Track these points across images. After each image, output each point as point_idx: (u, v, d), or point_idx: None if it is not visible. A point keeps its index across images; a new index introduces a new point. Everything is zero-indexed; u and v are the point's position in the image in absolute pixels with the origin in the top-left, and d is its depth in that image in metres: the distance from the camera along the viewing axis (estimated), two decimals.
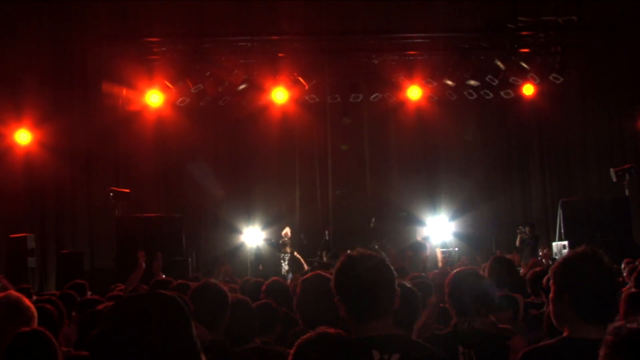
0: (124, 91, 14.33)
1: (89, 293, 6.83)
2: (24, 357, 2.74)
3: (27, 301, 3.27)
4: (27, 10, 13.86)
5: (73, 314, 4.79)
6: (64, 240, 13.99)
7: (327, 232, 14.26)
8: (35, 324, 3.16)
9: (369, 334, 2.38)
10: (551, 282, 2.55)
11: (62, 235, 14.12)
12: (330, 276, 2.87)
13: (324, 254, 13.02)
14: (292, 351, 2.09)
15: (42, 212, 14.02)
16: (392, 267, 2.52)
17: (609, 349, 1.62)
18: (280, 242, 13.70)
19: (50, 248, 13.83)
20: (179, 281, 5.51)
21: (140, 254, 6.31)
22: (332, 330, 2.09)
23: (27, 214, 13.80)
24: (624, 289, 4.69)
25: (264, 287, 5.11)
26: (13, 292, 3.43)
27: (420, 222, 15.04)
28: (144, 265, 6.25)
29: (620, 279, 6.59)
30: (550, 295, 2.53)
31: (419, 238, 13.90)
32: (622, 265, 7.86)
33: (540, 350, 2.50)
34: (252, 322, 3.78)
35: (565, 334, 2.45)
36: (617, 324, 1.65)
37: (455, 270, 3.79)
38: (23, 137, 13.65)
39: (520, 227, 13.73)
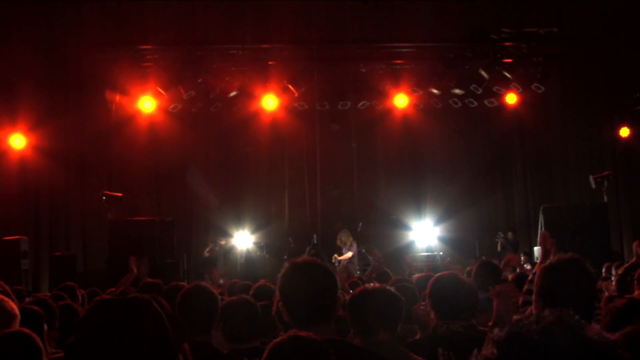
0: (118, 97, 14.47)
1: (80, 295, 6.96)
2: (7, 359, 2.67)
3: (9, 302, 3.19)
4: (21, 16, 13.98)
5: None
6: (57, 243, 14.12)
7: (315, 236, 14.46)
8: (17, 326, 3.08)
9: None
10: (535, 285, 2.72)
11: (55, 237, 14.25)
12: None
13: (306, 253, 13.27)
14: (264, 355, 2.10)
15: (35, 215, 14.15)
16: (335, 275, 2.56)
17: None
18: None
19: (43, 250, 13.95)
20: (175, 283, 5.65)
21: (131, 260, 6.32)
22: (303, 333, 2.11)
23: (20, 216, 13.93)
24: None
25: (251, 292, 5.12)
26: None
27: (406, 227, 15.31)
28: (135, 270, 6.29)
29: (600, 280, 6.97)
30: (533, 297, 2.73)
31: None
32: (603, 269, 8.25)
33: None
34: (257, 323, 3.82)
35: None
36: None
37: (437, 274, 3.82)
38: (17, 141, 13.78)
39: (500, 233, 14.09)
